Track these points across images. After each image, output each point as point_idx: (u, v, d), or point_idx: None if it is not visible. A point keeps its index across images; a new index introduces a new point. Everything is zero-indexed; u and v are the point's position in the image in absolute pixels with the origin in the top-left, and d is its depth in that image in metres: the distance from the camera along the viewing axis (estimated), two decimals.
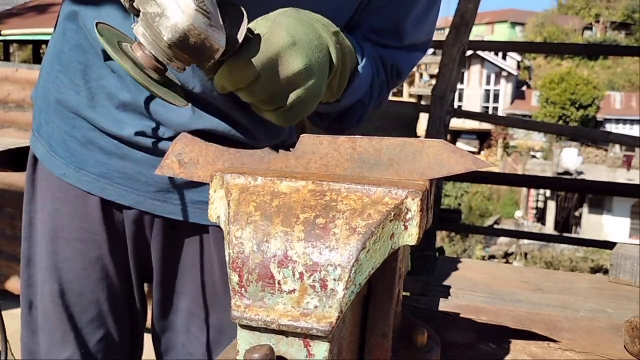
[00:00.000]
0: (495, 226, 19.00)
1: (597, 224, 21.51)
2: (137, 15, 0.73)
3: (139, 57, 0.72)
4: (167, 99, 0.74)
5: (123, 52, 0.73)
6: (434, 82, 4.18)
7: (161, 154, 0.84)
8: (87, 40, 1.01)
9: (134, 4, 0.72)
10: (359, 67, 0.94)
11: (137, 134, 1.01)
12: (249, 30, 0.75)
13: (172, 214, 1.07)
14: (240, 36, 0.73)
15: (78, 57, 1.02)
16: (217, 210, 0.69)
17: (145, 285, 1.20)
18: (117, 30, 0.78)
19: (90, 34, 1.00)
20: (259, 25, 0.77)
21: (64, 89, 1.03)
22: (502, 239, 18.80)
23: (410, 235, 0.64)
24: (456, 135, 27.07)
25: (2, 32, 11.34)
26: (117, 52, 0.72)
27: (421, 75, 27.94)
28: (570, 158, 23.91)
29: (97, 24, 0.74)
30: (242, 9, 0.75)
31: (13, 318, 1.35)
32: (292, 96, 0.78)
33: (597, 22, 40.23)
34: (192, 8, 0.68)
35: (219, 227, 0.90)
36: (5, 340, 1.07)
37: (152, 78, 0.74)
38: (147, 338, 1.26)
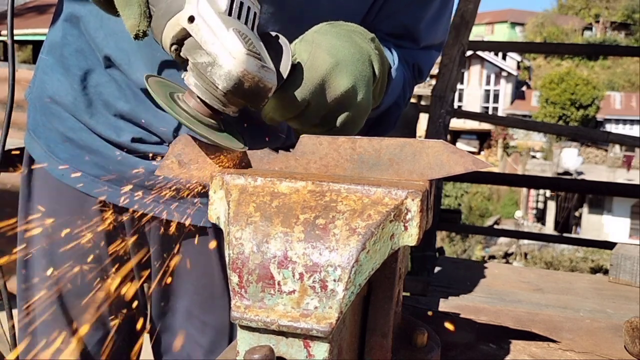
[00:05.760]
0: (495, 226, 18.98)
1: (597, 224, 21.49)
2: (182, 63, 0.72)
3: (192, 106, 0.71)
4: (226, 144, 0.72)
5: (175, 103, 0.72)
6: (434, 82, 4.17)
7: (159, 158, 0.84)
8: (89, 45, 1.00)
9: (182, 54, 0.71)
10: (393, 70, 0.94)
11: (134, 140, 1.01)
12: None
13: (171, 215, 1.07)
14: (286, 71, 0.73)
15: (79, 62, 1.01)
16: (217, 211, 0.69)
17: (145, 286, 1.20)
18: (166, 81, 0.77)
19: (92, 40, 0.99)
20: (299, 49, 0.76)
21: (63, 92, 1.03)
22: (502, 239, 18.78)
23: (410, 236, 0.64)
24: (456, 135, 27.07)
25: (2, 32, 11.33)
26: (170, 104, 0.70)
27: None
28: (570, 158, 23.89)
29: (147, 77, 0.72)
30: (285, 39, 0.75)
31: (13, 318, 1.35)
32: (343, 116, 0.79)
33: (597, 22, 40.22)
34: (243, 53, 0.67)
35: (217, 228, 0.90)
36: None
37: (208, 125, 0.72)
38: (146, 338, 1.26)
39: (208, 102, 0.70)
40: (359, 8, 0.98)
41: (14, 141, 1.44)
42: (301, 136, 0.73)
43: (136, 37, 0.73)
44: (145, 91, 0.97)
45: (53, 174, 1.06)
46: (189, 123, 0.70)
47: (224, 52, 0.67)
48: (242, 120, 0.86)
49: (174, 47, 0.71)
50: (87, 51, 1.01)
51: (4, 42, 12.54)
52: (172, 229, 1.09)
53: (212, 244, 1.11)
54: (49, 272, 1.10)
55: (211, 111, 0.71)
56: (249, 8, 0.72)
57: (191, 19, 0.68)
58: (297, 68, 0.75)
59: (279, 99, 0.74)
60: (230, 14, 0.70)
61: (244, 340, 0.60)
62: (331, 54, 0.76)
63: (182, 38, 0.70)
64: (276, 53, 0.74)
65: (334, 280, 0.58)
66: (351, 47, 0.79)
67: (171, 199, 1.05)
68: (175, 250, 1.13)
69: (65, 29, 1.03)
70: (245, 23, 0.72)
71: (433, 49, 1.09)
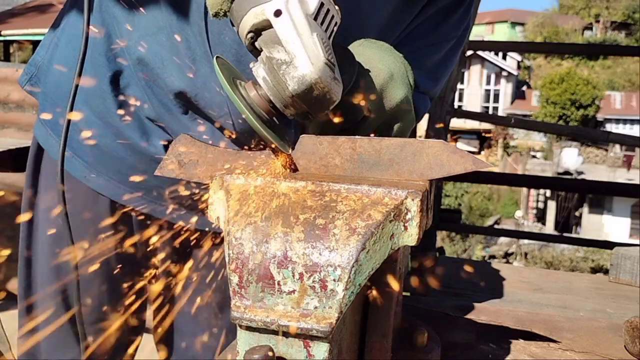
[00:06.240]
0: (496, 226, 18.97)
1: (597, 224, 21.47)
2: (252, 52, 0.71)
3: (253, 97, 0.70)
4: (273, 141, 0.71)
5: (237, 88, 0.71)
6: None
7: None
8: (120, 46, 0.99)
9: (256, 44, 0.70)
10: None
11: (165, 145, 1.01)
12: None
13: (191, 223, 1.07)
14: (350, 82, 0.73)
15: (109, 63, 1.00)
16: (217, 211, 0.69)
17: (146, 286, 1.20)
18: (232, 67, 0.76)
19: (123, 41, 0.98)
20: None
21: (92, 94, 1.01)
22: (502, 239, 18.77)
23: (410, 236, 0.64)
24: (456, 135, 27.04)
25: (2, 32, 11.33)
26: (233, 88, 0.69)
27: None
28: (571, 158, 23.88)
29: (216, 57, 0.71)
30: (352, 53, 0.75)
31: (13, 318, 1.35)
32: (396, 127, 0.80)
33: (597, 22, 40.19)
34: (322, 61, 0.66)
35: None
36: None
37: (261, 119, 0.71)
38: (149, 338, 1.26)
39: (272, 98, 0.69)
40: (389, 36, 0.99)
41: (14, 141, 1.44)
42: (301, 136, 0.73)
43: (216, 15, 0.71)
44: (174, 97, 0.97)
45: (74, 174, 1.06)
46: (246, 111, 0.68)
47: (304, 55, 0.66)
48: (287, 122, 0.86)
49: (250, 34, 0.70)
50: (118, 52, 0.99)
51: (4, 42, 12.54)
52: (185, 233, 1.09)
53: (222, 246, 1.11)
54: (55, 273, 1.09)
55: (270, 107, 0.70)
56: (332, 17, 0.72)
57: (277, 13, 0.67)
58: (357, 80, 0.75)
59: (341, 108, 0.73)
60: (315, 19, 0.70)
61: (244, 340, 0.60)
62: (385, 65, 0.77)
63: (261, 28, 0.69)
64: (342, 66, 0.73)
65: (334, 280, 0.58)
66: (396, 60, 0.81)
67: (191, 208, 1.06)
68: (185, 252, 1.13)
69: (96, 28, 1.01)
70: (325, 31, 0.71)
71: (428, 96, 1.10)
